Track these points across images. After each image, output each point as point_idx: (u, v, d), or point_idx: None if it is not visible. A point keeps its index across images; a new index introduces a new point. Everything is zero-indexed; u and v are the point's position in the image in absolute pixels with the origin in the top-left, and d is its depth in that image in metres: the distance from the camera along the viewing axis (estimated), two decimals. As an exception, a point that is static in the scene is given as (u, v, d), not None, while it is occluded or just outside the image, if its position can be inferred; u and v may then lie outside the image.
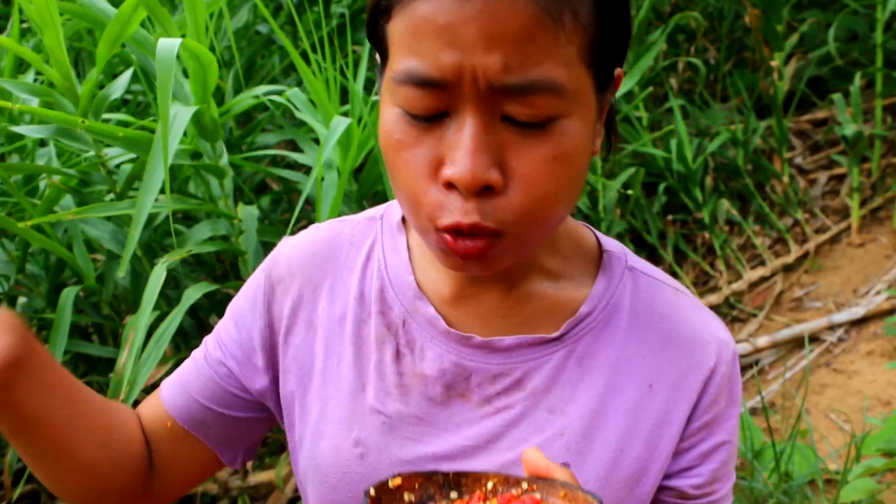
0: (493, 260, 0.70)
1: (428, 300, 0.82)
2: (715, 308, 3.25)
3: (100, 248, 2.07)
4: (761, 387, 2.86)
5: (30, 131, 1.65)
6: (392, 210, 0.89)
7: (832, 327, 3.01)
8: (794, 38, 3.56)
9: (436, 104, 0.65)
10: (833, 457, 2.37)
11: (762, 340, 2.97)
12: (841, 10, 3.72)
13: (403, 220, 0.88)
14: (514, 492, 0.56)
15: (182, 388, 0.89)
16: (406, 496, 0.59)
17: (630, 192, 3.19)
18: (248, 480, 2.14)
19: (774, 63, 3.33)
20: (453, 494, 0.58)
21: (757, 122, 3.63)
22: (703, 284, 3.46)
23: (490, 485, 0.58)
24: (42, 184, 1.93)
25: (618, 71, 0.75)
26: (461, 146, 0.64)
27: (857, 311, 3.01)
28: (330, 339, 0.85)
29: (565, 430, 0.80)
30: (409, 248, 0.86)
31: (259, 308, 0.88)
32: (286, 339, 0.87)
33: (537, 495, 0.55)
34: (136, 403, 2.22)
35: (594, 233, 0.89)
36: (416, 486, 0.59)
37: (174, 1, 2.44)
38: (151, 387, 2.02)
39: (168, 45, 1.37)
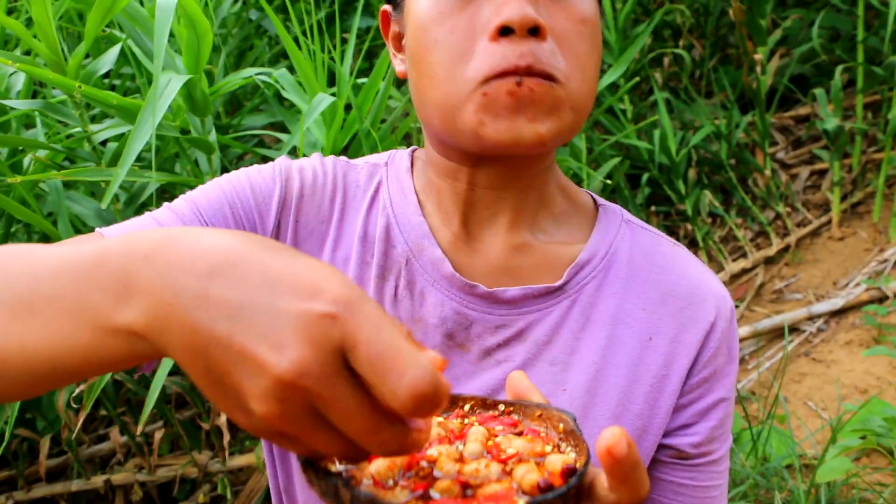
0: (551, 114, 0.71)
1: (436, 241, 0.82)
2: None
3: (82, 228, 2.07)
4: (742, 376, 2.89)
5: (17, 104, 1.65)
6: (397, 158, 0.89)
7: (812, 318, 3.05)
8: (777, 34, 3.60)
9: None
10: (810, 440, 2.41)
11: (743, 331, 3.00)
12: (823, 8, 3.77)
13: (411, 166, 0.87)
14: (492, 413, 0.57)
15: None
16: None
17: (609, 181, 3.22)
18: (227, 464, 2.14)
19: (758, 57, 3.37)
20: None
21: (740, 117, 3.67)
22: (685, 276, 3.48)
23: (467, 407, 0.58)
24: (27, 160, 1.93)
25: None
26: None
27: (837, 303, 3.05)
28: None
29: (568, 386, 0.80)
30: (416, 193, 0.85)
31: (270, 215, 0.82)
32: None
33: (515, 417, 0.56)
34: (118, 384, 2.23)
35: (590, 194, 0.90)
36: None
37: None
38: (132, 368, 2.03)
39: (166, 4, 1.37)
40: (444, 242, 0.82)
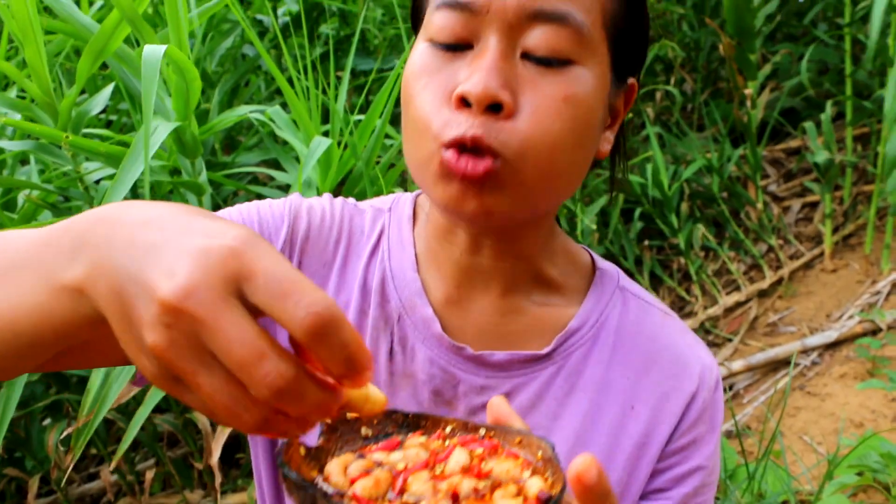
0: (491, 194, 0.69)
1: (428, 300, 0.82)
2: (691, 332, 3.28)
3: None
4: (737, 410, 2.88)
5: (9, 145, 1.65)
6: (401, 204, 0.89)
7: (806, 351, 3.05)
8: (767, 69, 3.64)
9: (462, 31, 0.69)
10: (806, 475, 2.39)
11: (737, 364, 3.00)
12: (812, 42, 3.81)
13: (413, 215, 0.87)
14: (472, 436, 0.57)
15: None
16: (363, 430, 0.59)
17: (610, 212, 3.24)
18: (220, 503, 2.12)
19: (748, 91, 3.40)
20: (411, 435, 0.59)
21: (732, 150, 3.70)
22: (678, 310, 3.49)
23: (449, 429, 0.58)
24: (21, 199, 1.93)
25: (631, 80, 0.79)
26: (479, 66, 0.67)
27: (830, 335, 3.05)
28: None
29: None
30: (414, 245, 0.85)
31: (276, 244, 0.82)
32: None
33: (496, 440, 0.56)
34: (109, 423, 2.21)
35: (590, 253, 0.90)
36: (375, 421, 0.59)
37: (157, 22, 2.46)
38: (124, 407, 2.02)
39: (153, 50, 1.39)
40: (436, 301, 0.83)
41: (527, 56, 0.68)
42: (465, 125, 0.67)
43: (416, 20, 0.78)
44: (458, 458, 0.53)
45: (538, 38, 0.67)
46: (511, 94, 0.67)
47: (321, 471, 0.54)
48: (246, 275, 0.43)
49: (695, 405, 0.83)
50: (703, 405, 0.83)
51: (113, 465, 1.64)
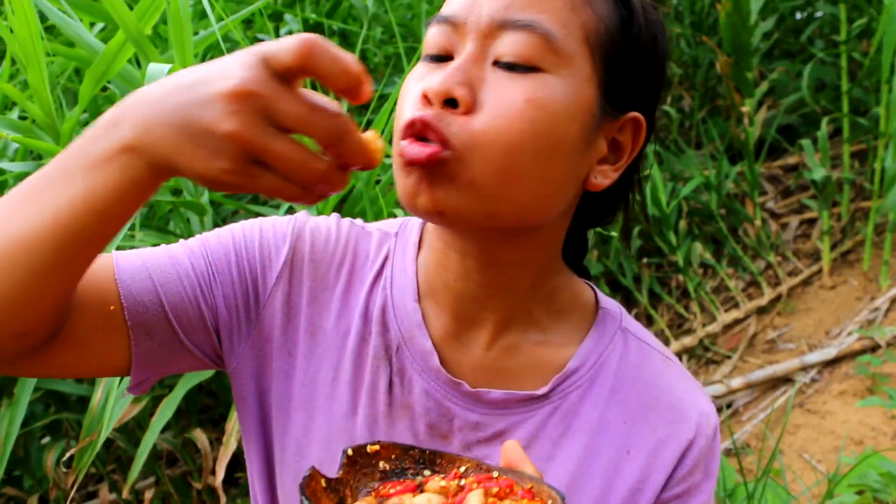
0: (440, 185, 0.69)
1: (427, 332, 0.82)
2: (689, 350, 3.28)
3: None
4: (736, 428, 2.88)
5: (11, 166, 1.66)
6: (408, 229, 0.88)
7: (805, 368, 3.05)
8: (764, 86, 3.66)
9: (446, 43, 0.73)
10: (806, 494, 2.39)
11: (736, 382, 3.00)
12: (809, 60, 3.84)
13: (420, 241, 0.86)
14: (487, 475, 0.58)
15: (150, 283, 0.76)
16: (382, 464, 0.61)
17: (614, 234, 3.24)
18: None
19: (745, 109, 3.42)
20: (427, 472, 0.60)
21: (729, 167, 3.71)
22: (677, 327, 3.49)
23: (463, 468, 0.60)
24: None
25: (634, 114, 0.77)
26: (447, 68, 0.71)
27: (829, 352, 3.05)
28: (330, 350, 0.83)
29: None
30: (416, 274, 0.84)
31: (273, 270, 0.82)
32: (285, 327, 0.83)
33: (511, 477, 0.57)
34: (108, 441, 2.21)
35: (594, 290, 0.90)
36: (393, 456, 0.61)
37: (157, 43, 2.48)
38: (123, 426, 2.02)
39: (158, 69, 1.40)
40: (436, 334, 0.82)
41: (497, 63, 0.71)
42: (420, 110, 0.70)
43: None
44: (474, 501, 0.54)
45: (507, 44, 0.70)
46: (470, 91, 0.69)
47: (341, 503, 0.55)
48: (268, 61, 0.55)
49: (691, 453, 0.82)
50: (699, 454, 0.83)
51: (126, 492, 1.64)
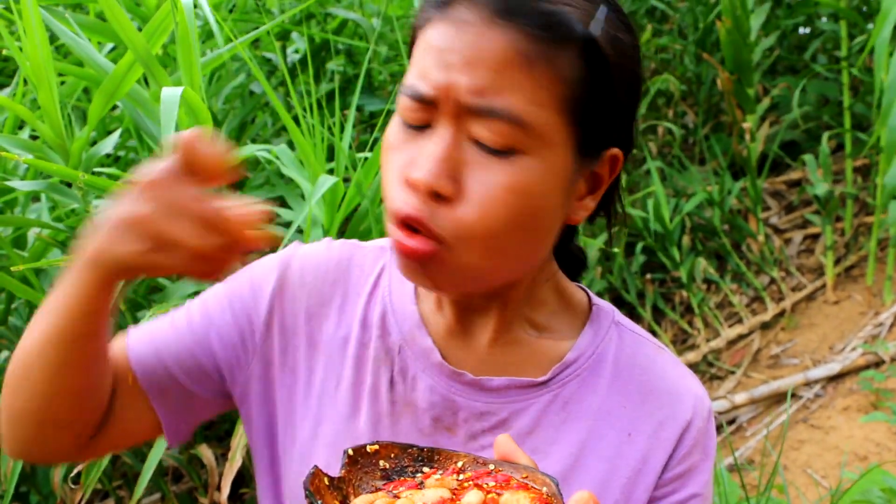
0: (434, 272, 0.75)
1: (427, 331, 0.86)
2: (693, 366, 3.29)
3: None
4: (740, 443, 2.88)
5: (20, 185, 1.69)
6: None
7: (808, 384, 3.05)
8: (766, 102, 3.68)
9: (423, 116, 0.74)
10: (809, 511, 2.39)
11: (740, 397, 3.00)
12: (811, 76, 3.86)
13: None
14: (483, 471, 0.61)
15: (153, 348, 0.88)
16: (381, 462, 0.63)
17: (616, 250, 3.26)
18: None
19: (747, 125, 3.44)
20: (426, 469, 0.62)
21: (732, 183, 3.72)
22: (681, 342, 3.50)
23: (460, 463, 0.62)
24: (31, 236, 1.96)
25: (613, 151, 0.79)
26: (427, 153, 0.72)
27: (833, 368, 3.05)
28: (331, 359, 0.87)
29: None
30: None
31: (263, 301, 0.89)
32: (284, 348, 0.88)
33: (507, 472, 0.60)
34: (114, 457, 2.22)
35: (587, 292, 0.93)
36: (392, 455, 0.63)
37: (166, 62, 2.51)
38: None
39: (172, 93, 1.43)
40: (435, 332, 0.86)
41: (475, 142, 0.72)
42: (411, 206, 0.72)
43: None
44: (472, 498, 0.56)
45: (481, 129, 0.71)
46: (454, 182, 0.72)
47: (344, 501, 0.57)
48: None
49: (689, 434, 0.86)
50: (697, 434, 0.86)
51: None
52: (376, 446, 0.64)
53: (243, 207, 0.68)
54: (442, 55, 0.72)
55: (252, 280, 0.90)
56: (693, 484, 0.86)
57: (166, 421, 0.88)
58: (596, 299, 0.92)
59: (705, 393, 0.89)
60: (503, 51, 0.70)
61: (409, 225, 0.73)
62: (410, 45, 0.79)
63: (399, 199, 0.74)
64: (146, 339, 0.88)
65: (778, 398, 3.04)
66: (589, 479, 0.83)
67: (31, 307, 2.02)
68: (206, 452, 1.99)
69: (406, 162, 0.74)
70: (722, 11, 3.31)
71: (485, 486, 0.59)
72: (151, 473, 2.14)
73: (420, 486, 0.60)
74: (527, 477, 0.58)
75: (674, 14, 4.45)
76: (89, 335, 0.77)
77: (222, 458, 2.14)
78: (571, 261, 0.93)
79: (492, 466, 0.61)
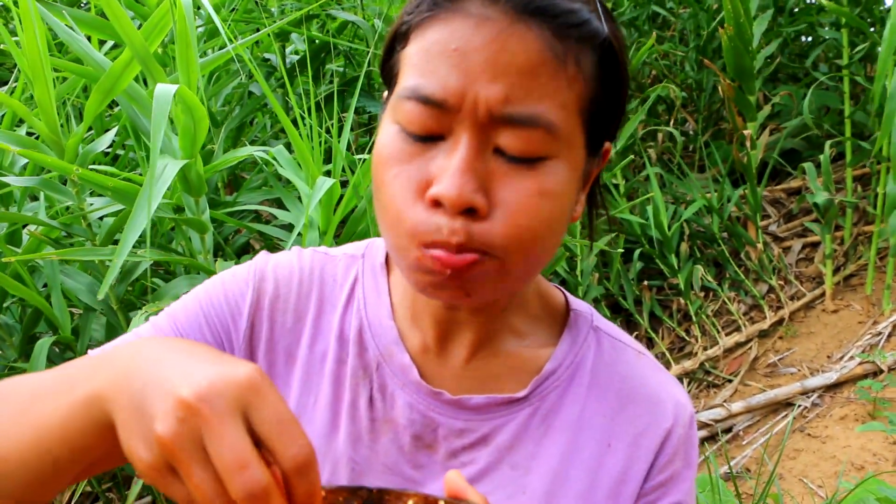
0: (474, 284, 0.69)
1: (405, 347, 0.83)
2: (690, 374, 3.28)
3: (76, 301, 2.08)
4: (736, 452, 2.87)
5: (15, 181, 1.68)
6: (374, 250, 0.89)
7: (806, 392, 3.04)
8: (766, 109, 3.67)
9: (433, 125, 0.67)
10: (806, 521, 2.38)
11: (737, 406, 2.99)
12: (813, 84, 3.86)
13: (387, 261, 0.88)
14: None
15: None
16: None
17: (616, 250, 3.25)
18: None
19: (747, 133, 3.43)
20: None
21: (732, 191, 3.72)
22: (678, 350, 3.49)
23: (410, 503, 0.61)
24: (25, 234, 1.95)
25: (607, 144, 0.78)
26: (451, 166, 0.66)
27: (831, 377, 3.04)
28: (309, 375, 0.85)
29: (527, 489, 0.82)
30: (389, 293, 0.86)
31: (241, 318, 0.84)
32: (265, 357, 0.85)
33: None
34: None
35: (564, 293, 0.92)
36: (341, 499, 0.62)
37: (166, 62, 2.50)
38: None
39: (165, 89, 1.42)
40: (413, 348, 0.84)
41: (499, 152, 0.67)
42: (446, 230, 0.66)
43: (386, 75, 0.76)
44: None
45: (510, 138, 0.66)
46: (485, 195, 0.66)
47: None
48: (256, 405, 0.52)
49: (670, 442, 0.84)
50: (678, 442, 0.84)
51: None
52: (323, 493, 0.62)
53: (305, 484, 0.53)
54: (459, 56, 0.65)
55: (227, 296, 0.85)
56: (675, 492, 0.84)
57: None
58: (573, 302, 0.90)
59: (687, 399, 0.88)
60: (536, 52, 0.65)
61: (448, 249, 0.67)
62: (392, 41, 0.74)
63: (423, 220, 0.67)
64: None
65: (775, 407, 3.03)
66: (571, 491, 0.82)
67: (23, 307, 2.01)
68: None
69: (417, 178, 0.68)
70: (725, 18, 3.30)
71: None
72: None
73: None
74: None
75: (675, 20, 4.45)
76: (85, 462, 0.64)
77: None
78: None
79: (442, 503, 0.60)
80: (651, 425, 0.84)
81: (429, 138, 0.68)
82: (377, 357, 0.84)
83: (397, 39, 0.72)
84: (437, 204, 0.67)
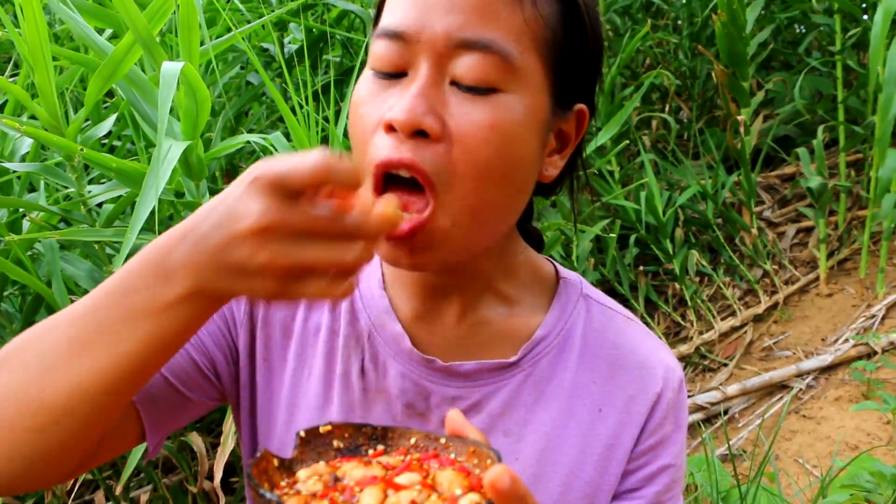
0: (421, 255, 0.72)
1: (396, 317, 0.85)
2: (686, 358, 3.30)
3: (75, 289, 2.09)
4: (732, 434, 2.89)
5: (15, 167, 1.69)
6: None
7: (801, 375, 3.07)
8: (760, 96, 3.69)
9: (397, 59, 0.72)
10: (799, 496, 2.41)
11: (733, 389, 3.02)
12: (806, 70, 3.88)
13: None
14: (434, 447, 0.62)
15: None
16: (335, 443, 0.63)
17: (611, 235, 3.27)
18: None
19: (741, 118, 3.45)
20: (380, 447, 0.63)
21: (726, 177, 3.74)
22: (674, 335, 3.51)
23: (413, 440, 0.63)
24: (26, 223, 1.96)
25: (580, 106, 0.80)
26: (406, 93, 0.70)
27: (825, 359, 3.07)
28: (303, 348, 0.87)
29: (520, 455, 0.83)
30: (381, 265, 0.89)
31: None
32: (263, 338, 0.87)
33: (452, 455, 0.61)
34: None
35: (553, 263, 0.93)
36: (346, 435, 0.64)
37: (165, 50, 2.51)
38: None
39: (172, 67, 1.43)
40: (404, 317, 0.85)
41: (455, 83, 0.70)
42: (392, 148, 0.70)
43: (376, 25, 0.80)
44: (411, 477, 0.58)
45: (465, 66, 0.69)
46: (437, 119, 0.69)
47: (293, 480, 0.59)
48: (287, 184, 0.57)
49: (660, 406, 0.86)
50: (668, 405, 0.86)
51: (119, 489, 1.66)
52: (329, 427, 0.64)
53: (369, 201, 0.59)
54: None
55: None
56: (665, 455, 0.86)
57: (151, 432, 0.82)
58: (563, 271, 0.92)
59: (677, 364, 0.89)
60: None
61: (391, 174, 0.70)
62: (380, 4, 0.77)
63: (380, 146, 0.70)
64: None
65: (770, 389, 3.05)
66: (563, 457, 0.84)
67: (23, 295, 2.02)
68: (196, 440, 1.99)
69: (380, 110, 0.72)
70: (718, 5, 3.32)
71: (425, 467, 0.60)
72: (142, 464, 2.15)
73: (368, 463, 0.61)
74: (474, 451, 0.60)
75: (669, 8, 4.46)
76: (149, 375, 0.67)
77: (213, 447, 2.15)
78: (530, 240, 0.93)
79: (443, 441, 0.62)
80: (641, 390, 0.86)
81: (394, 75, 0.72)
82: (368, 326, 0.85)
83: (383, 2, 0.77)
84: (391, 129, 0.70)
